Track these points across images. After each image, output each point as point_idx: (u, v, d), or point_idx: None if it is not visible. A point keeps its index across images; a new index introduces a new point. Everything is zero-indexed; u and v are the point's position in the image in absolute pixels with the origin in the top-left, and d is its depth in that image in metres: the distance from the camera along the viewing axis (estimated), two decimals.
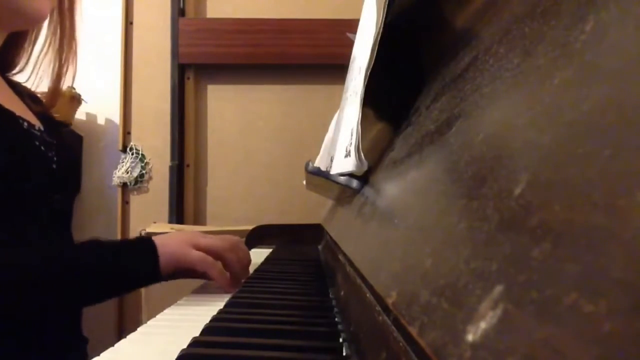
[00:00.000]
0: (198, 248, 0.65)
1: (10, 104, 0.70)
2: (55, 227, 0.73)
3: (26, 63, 0.81)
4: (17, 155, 0.66)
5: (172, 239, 0.66)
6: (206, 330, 0.41)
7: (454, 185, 0.21)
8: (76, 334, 0.77)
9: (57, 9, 0.79)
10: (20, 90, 0.79)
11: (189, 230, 1.45)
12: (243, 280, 0.68)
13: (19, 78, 0.82)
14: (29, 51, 0.80)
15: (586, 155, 0.12)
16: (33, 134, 0.71)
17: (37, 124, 0.74)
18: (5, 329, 0.61)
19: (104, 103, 1.74)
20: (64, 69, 0.81)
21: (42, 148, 0.71)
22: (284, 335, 0.39)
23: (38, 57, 0.80)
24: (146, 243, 0.64)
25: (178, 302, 0.59)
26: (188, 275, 0.68)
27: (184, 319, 0.51)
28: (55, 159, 0.73)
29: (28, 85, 0.82)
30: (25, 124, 0.71)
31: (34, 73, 0.81)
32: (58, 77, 0.81)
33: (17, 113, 0.70)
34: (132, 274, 0.63)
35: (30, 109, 0.77)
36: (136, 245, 0.65)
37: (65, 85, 0.83)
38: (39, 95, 0.83)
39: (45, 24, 0.80)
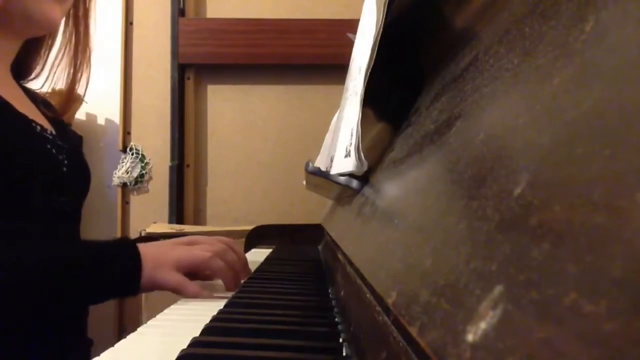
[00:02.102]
0: (179, 268, 0.63)
1: (23, 108, 0.71)
2: (61, 228, 0.74)
3: (41, 69, 0.82)
4: (29, 157, 0.67)
5: (152, 257, 0.63)
6: (206, 330, 0.41)
7: (454, 185, 0.21)
8: (80, 336, 0.77)
9: (72, 16, 0.80)
10: (33, 96, 0.80)
11: (189, 229, 1.45)
12: (243, 281, 0.68)
13: (34, 85, 0.83)
14: (45, 57, 0.82)
15: (586, 155, 0.12)
16: (45, 137, 0.72)
17: (50, 128, 0.75)
18: (6, 328, 0.61)
19: (104, 103, 1.74)
20: (78, 75, 0.83)
21: (54, 151, 0.73)
22: (284, 335, 0.39)
23: (53, 63, 0.82)
24: (132, 254, 0.63)
25: (178, 302, 0.60)
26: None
27: (184, 319, 0.51)
28: (66, 162, 0.74)
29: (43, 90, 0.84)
30: (38, 127, 0.72)
31: (48, 79, 0.82)
32: (72, 83, 0.83)
33: (30, 117, 0.71)
34: (110, 278, 0.62)
35: (43, 114, 0.78)
36: (121, 254, 0.63)
37: (79, 91, 0.85)
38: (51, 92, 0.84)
39: (61, 30, 0.81)
